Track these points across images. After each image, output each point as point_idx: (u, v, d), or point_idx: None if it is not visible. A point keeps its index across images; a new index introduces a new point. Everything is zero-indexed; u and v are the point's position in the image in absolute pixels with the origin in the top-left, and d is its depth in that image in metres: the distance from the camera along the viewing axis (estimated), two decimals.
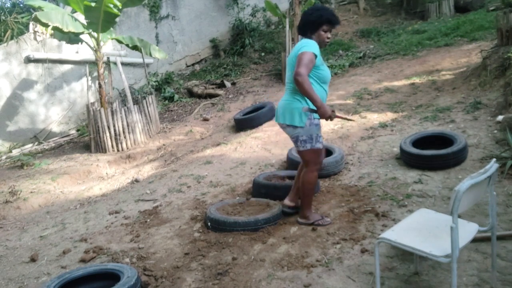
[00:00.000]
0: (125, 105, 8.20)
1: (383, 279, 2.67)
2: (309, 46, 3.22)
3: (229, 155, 6.06)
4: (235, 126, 7.64)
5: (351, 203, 3.85)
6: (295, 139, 3.40)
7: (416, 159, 4.36)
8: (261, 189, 4.22)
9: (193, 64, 11.82)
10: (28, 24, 8.99)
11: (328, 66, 10.13)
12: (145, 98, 8.24)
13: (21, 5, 10.68)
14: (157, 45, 10.20)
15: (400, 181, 4.17)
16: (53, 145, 8.66)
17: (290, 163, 4.87)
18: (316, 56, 3.24)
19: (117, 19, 7.41)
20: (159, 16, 10.94)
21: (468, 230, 2.35)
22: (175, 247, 3.49)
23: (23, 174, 6.82)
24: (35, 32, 8.77)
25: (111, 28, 7.57)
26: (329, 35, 3.37)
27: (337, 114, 3.25)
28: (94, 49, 7.68)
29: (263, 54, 11.79)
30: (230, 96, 9.72)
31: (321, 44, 3.39)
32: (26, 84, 8.75)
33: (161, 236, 3.76)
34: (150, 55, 8.33)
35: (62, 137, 8.98)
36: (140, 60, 8.99)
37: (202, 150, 6.68)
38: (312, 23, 3.33)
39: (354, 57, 10.34)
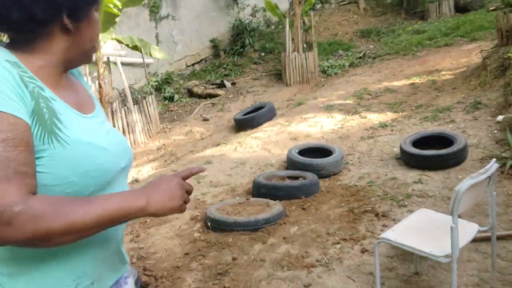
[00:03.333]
0: (125, 105, 8.19)
1: (383, 279, 2.67)
2: None
3: (229, 155, 6.06)
4: (235, 126, 7.63)
5: (351, 203, 3.85)
6: None
7: (416, 159, 4.36)
8: (261, 189, 4.22)
9: (193, 64, 11.81)
10: None
11: (329, 66, 10.07)
12: (145, 98, 8.23)
13: None
14: (157, 45, 10.19)
15: (400, 181, 4.17)
16: None
17: (290, 163, 4.87)
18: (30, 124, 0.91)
19: (117, 19, 7.41)
20: (159, 16, 10.93)
21: (468, 230, 2.35)
22: (175, 247, 3.49)
23: None
24: None
25: (111, 28, 7.56)
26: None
27: None
28: None
29: (263, 54, 11.78)
30: (230, 96, 9.71)
31: (85, 57, 1.10)
32: None
33: (161, 236, 3.76)
34: (150, 55, 8.33)
35: None
36: (140, 60, 8.99)
37: (202, 150, 6.67)
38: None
39: (354, 57, 10.33)
